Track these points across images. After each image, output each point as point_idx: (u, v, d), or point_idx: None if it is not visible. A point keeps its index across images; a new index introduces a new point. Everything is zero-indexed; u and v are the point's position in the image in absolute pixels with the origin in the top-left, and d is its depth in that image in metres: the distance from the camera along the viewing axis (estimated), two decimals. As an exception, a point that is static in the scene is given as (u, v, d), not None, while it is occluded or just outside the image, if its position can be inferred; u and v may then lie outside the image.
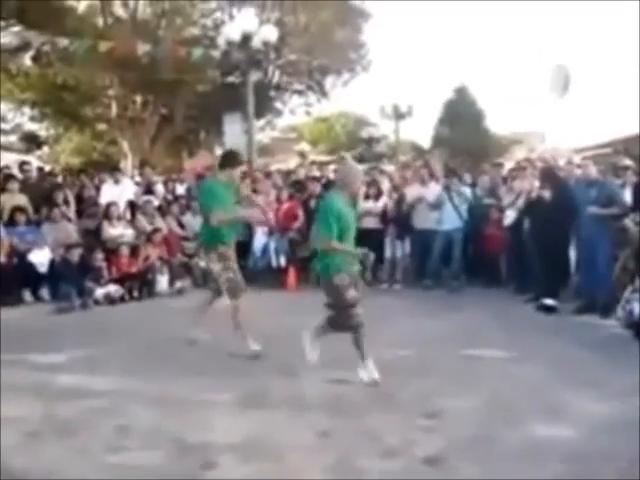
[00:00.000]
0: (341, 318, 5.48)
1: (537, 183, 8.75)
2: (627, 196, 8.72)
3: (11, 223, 9.91)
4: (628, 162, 9.91)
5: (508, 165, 13.08)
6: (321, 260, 5.54)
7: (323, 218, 5.47)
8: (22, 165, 11.97)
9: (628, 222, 8.33)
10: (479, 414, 4.80)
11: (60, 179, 12.84)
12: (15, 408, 4.96)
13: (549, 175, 8.77)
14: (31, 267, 9.56)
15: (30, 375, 5.88)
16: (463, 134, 28.23)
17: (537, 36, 63.37)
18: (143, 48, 13.90)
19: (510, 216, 9.43)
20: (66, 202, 10.76)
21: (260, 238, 10.93)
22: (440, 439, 4.35)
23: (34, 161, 17.76)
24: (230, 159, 6.67)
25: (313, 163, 15.55)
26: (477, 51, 71.32)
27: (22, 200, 10.34)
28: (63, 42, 13.50)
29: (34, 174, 11.58)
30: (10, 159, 21.24)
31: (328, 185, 11.54)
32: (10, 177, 10.97)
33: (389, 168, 16.18)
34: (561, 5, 57.98)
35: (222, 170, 6.56)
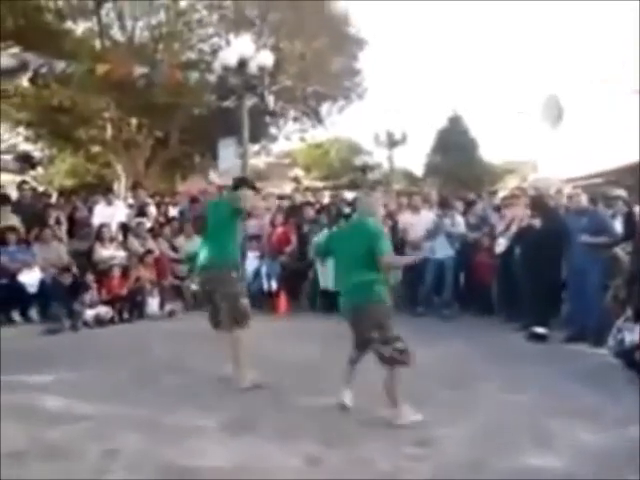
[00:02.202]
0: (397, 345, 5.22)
1: (528, 211, 8.79)
2: (618, 226, 8.77)
3: (2, 243, 9.88)
4: (619, 192, 9.96)
5: (502, 194, 13.14)
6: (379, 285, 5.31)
7: (382, 237, 5.33)
8: (21, 184, 11.98)
9: (619, 251, 8.37)
10: (469, 443, 4.77)
11: (54, 200, 12.81)
12: (2, 429, 4.90)
13: (540, 204, 8.82)
14: (21, 287, 9.52)
15: (17, 396, 5.80)
16: (456, 162, 28.43)
17: (530, 66, 64.06)
18: (140, 71, 13.96)
19: (502, 244, 9.46)
20: (58, 222, 10.74)
21: (252, 262, 10.92)
22: (429, 467, 4.31)
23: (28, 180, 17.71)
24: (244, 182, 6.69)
25: (307, 189, 15.52)
26: (471, 80, 72.00)
27: (14, 220, 10.32)
28: (60, 65, 13.54)
29: (29, 194, 11.57)
30: (4, 179, 21.26)
31: (321, 211, 11.59)
32: (4, 198, 10.96)
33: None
34: (554, 35, 58.69)
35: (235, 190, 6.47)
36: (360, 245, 5.29)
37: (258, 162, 30.02)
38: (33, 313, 9.51)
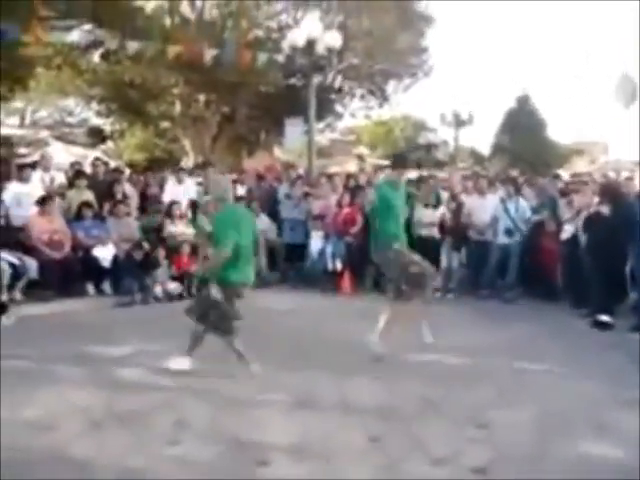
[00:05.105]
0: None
1: (597, 198, 8.67)
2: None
3: (78, 218, 10.28)
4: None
5: (565, 175, 12.92)
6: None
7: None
8: (95, 161, 12.36)
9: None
10: (529, 427, 4.83)
11: (127, 175, 13.14)
12: (79, 398, 5.22)
13: (609, 191, 8.68)
14: (95, 261, 9.90)
15: (93, 367, 6.13)
16: (523, 143, 28.00)
17: (603, 45, 62.12)
18: (210, 53, 14.13)
19: (568, 230, 9.34)
20: (124, 196, 11.04)
21: (317, 241, 11.08)
22: (489, 450, 4.40)
23: (101, 156, 18.21)
24: (401, 160, 7.01)
25: (376, 169, 15.27)
26: (541, 58, 70.32)
27: (89, 196, 10.69)
28: (133, 45, 13.84)
29: (102, 170, 11.95)
30: (77, 153, 21.91)
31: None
32: (80, 174, 11.35)
33: (443, 175, 16.08)
34: (626, 15, 56.71)
35: (395, 170, 6.88)
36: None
37: (321, 139, 30.03)
38: (106, 286, 9.88)
